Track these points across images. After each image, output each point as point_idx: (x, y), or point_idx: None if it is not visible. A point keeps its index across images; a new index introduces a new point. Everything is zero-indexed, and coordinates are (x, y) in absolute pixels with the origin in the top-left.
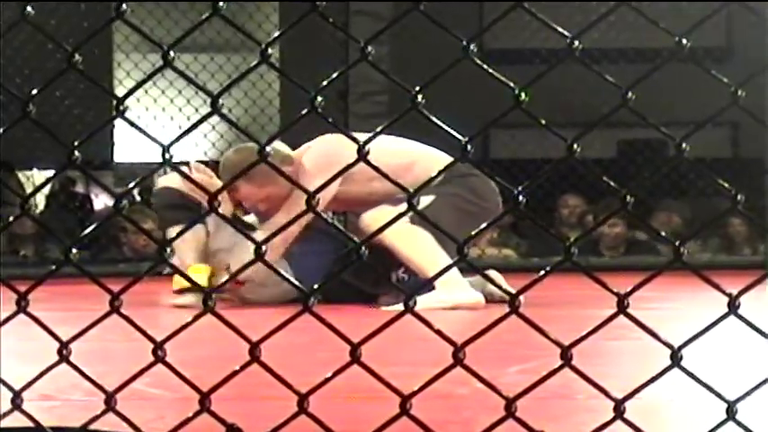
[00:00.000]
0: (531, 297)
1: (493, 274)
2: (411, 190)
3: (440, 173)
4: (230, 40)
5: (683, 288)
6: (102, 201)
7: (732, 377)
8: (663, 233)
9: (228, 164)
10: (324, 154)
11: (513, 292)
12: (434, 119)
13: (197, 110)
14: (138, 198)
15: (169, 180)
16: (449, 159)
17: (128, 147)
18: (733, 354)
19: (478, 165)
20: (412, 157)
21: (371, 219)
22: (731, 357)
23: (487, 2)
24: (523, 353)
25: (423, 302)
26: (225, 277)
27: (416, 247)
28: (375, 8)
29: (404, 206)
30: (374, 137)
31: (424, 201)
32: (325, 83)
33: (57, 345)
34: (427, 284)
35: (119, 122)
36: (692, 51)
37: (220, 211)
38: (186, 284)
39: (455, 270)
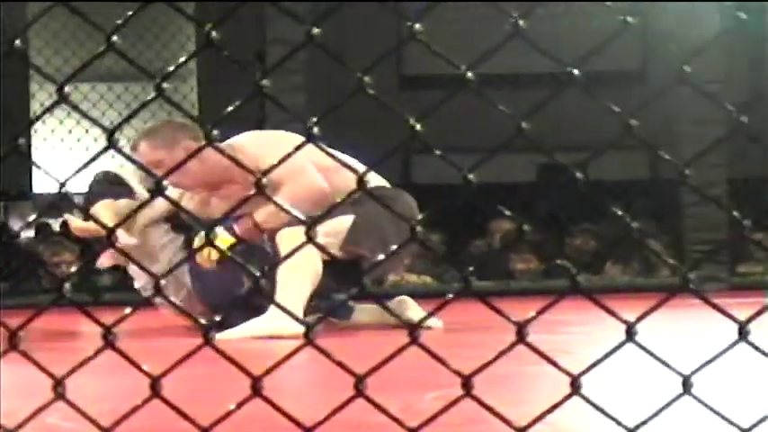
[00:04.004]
0: (452, 323)
1: (406, 301)
2: (337, 196)
3: (347, 196)
4: (128, 68)
5: (601, 312)
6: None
7: (634, 402)
8: (559, 261)
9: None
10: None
11: (416, 320)
12: (332, 150)
13: (96, 140)
14: (57, 229)
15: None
16: (370, 173)
17: (47, 177)
18: (639, 379)
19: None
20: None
21: (288, 237)
22: (638, 382)
23: (406, 27)
24: (442, 379)
25: (239, 331)
26: None
27: (295, 273)
28: (291, 36)
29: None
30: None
31: (345, 221)
32: (229, 109)
33: None
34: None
35: (39, 153)
36: (597, 76)
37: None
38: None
39: (297, 301)
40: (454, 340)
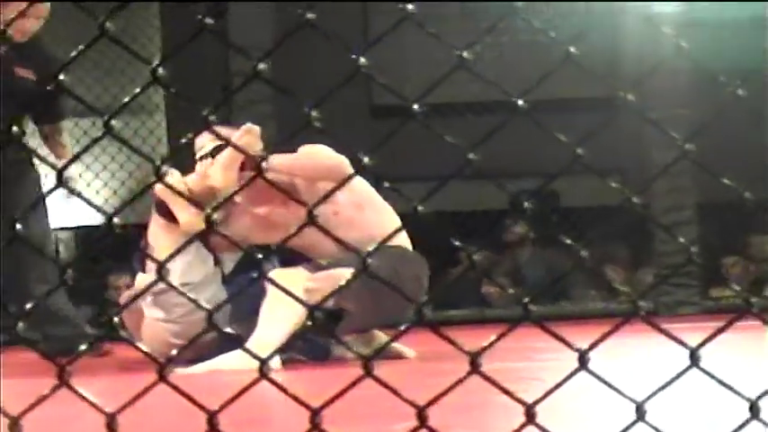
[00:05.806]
0: (427, 352)
1: (373, 332)
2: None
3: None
4: (110, 104)
5: (581, 338)
6: None
7: (593, 429)
8: (511, 290)
9: None
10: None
11: (400, 351)
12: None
13: (97, 175)
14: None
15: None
16: (391, 211)
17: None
18: (599, 404)
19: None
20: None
21: (278, 277)
22: (598, 408)
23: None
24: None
25: (208, 365)
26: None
27: (278, 309)
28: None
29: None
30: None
31: (342, 272)
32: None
33: None
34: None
35: None
36: (568, 103)
37: None
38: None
39: (273, 337)
40: (427, 369)
